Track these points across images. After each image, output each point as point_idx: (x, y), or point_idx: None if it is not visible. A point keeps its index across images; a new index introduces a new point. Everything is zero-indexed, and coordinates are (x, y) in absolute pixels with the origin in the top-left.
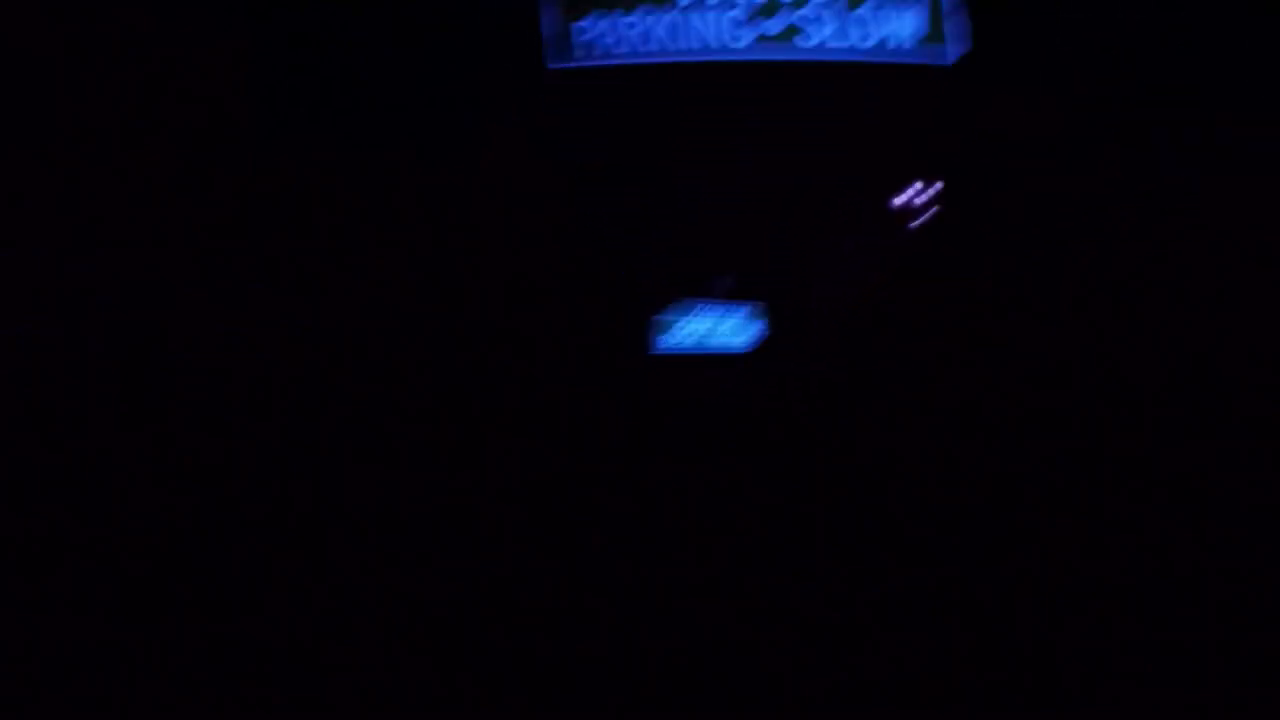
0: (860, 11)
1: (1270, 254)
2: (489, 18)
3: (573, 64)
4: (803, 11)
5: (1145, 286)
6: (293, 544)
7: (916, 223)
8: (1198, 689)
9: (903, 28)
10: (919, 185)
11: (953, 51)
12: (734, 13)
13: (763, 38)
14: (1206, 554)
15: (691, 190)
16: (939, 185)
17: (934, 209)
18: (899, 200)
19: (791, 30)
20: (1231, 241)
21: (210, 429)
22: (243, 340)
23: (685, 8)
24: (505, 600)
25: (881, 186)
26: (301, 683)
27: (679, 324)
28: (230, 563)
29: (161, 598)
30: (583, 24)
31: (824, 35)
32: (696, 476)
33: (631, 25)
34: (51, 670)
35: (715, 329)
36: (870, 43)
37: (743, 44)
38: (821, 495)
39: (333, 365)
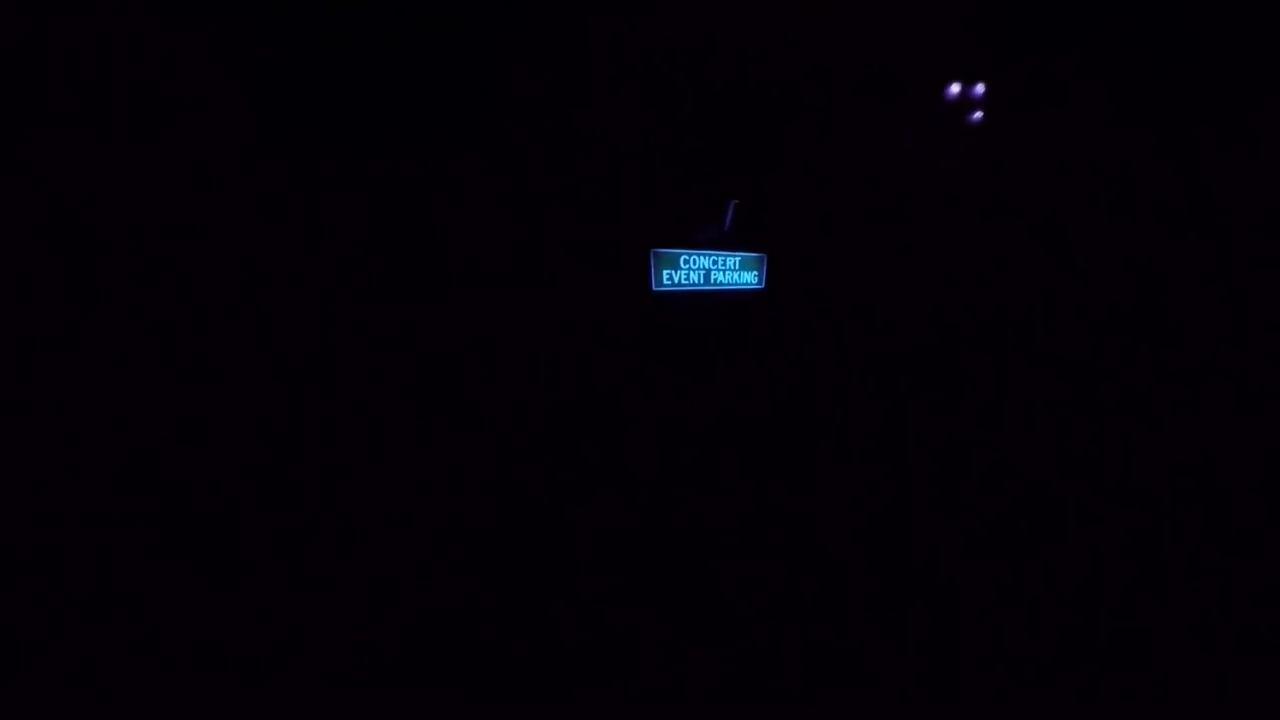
0: None
1: None
2: (489, 17)
3: None
4: None
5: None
6: (296, 536)
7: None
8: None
9: None
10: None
11: None
12: None
13: None
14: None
15: (702, 121)
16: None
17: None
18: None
19: None
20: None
21: (210, 430)
22: (243, 340)
23: None
24: (508, 590)
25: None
26: (300, 681)
27: (685, 259)
28: (228, 562)
29: (159, 597)
30: None
31: None
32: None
33: None
34: (51, 669)
35: (722, 265)
36: None
37: None
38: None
39: (333, 361)
